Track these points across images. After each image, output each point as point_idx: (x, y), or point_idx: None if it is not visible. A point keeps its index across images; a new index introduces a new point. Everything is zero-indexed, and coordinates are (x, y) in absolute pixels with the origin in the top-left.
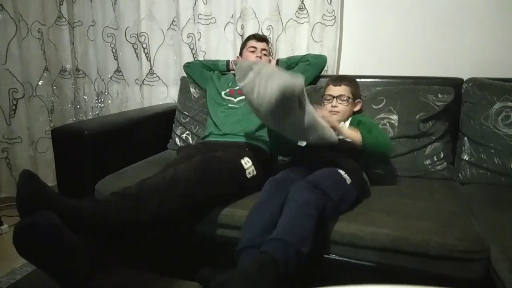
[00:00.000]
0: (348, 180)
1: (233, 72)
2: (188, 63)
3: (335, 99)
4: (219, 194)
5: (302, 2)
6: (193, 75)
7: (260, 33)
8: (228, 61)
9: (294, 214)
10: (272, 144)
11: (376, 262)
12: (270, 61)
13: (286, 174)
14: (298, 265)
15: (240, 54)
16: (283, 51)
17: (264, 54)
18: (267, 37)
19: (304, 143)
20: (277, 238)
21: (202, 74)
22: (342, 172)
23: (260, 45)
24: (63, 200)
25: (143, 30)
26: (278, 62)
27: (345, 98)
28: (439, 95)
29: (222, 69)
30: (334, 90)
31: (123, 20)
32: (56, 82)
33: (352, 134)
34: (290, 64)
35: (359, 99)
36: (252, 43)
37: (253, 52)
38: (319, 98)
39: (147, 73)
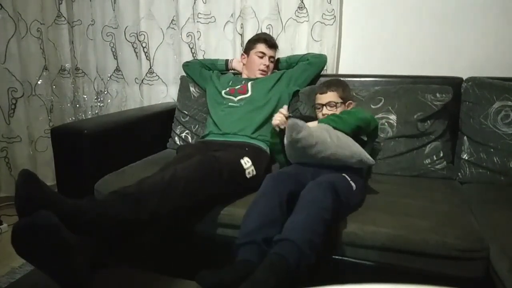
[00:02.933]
0: (354, 187)
1: (232, 71)
2: (187, 62)
3: (324, 107)
4: (219, 194)
5: (302, 1)
6: (192, 75)
7: (260, 31)
8: (227, 61)
9: (311, 216)
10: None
11: (376, 261)
12: (274, 66)
13: (285, 170)
14: (306, 269)
15: (246, 51)
16: (282, 50)
17: (271, 62)
18: (277, 44)
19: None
20: (291, 239)
21: (201, 74)
22: (348, 178)
23: (270, 52)
24: (62, 199)
25: (143, 29)
26: (278, 61)
27: (333, 104)
28: (437, 95)
29: (221, 69)
30: (322, 98)
31: (123, 19)
32: (56, 81)
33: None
34: (290, 64)
35: (350, 101)
36: (262, 48)
37: (261, 57)
38: None
39: (147, 72)
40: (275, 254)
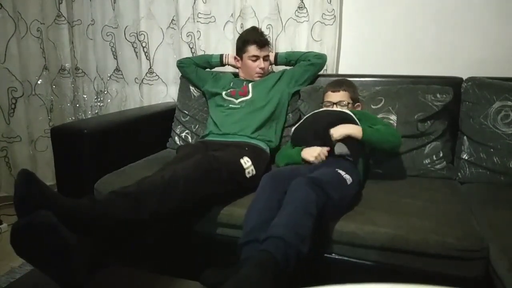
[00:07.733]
0: (349, 180)
1: (232, 71)
2: (181, 62)
3: (334, 105)
4: (219, 194)
5: (302, 1)
6: (189, 76)
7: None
8: (221, 55)
9: (294, 212)
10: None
11: (376, 261)
12: (270, 64)
13: (282, 168)
14: (297, 264)
15: (238, 54)
16: (282, 50)
17: (266, 60)
18: (268, 39)
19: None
20: (278, 236)
21: (198, 75)
22: (342, 172)
23: (263, 53)
24: (62, 199)
25: (143, 29)
26: (276, 56)
27: (344, 104)
28: (438, 95)
29: (215, 65)
30: (333, 96)
31: (123, 19)
32: (55, 81)
33: (354, 129)
34: (289, 61)
35: (358, 103)
36: (254, 51)
37: (255, 61)
38: (319, 97)
39: (147, 72)
40: (261, 251)
